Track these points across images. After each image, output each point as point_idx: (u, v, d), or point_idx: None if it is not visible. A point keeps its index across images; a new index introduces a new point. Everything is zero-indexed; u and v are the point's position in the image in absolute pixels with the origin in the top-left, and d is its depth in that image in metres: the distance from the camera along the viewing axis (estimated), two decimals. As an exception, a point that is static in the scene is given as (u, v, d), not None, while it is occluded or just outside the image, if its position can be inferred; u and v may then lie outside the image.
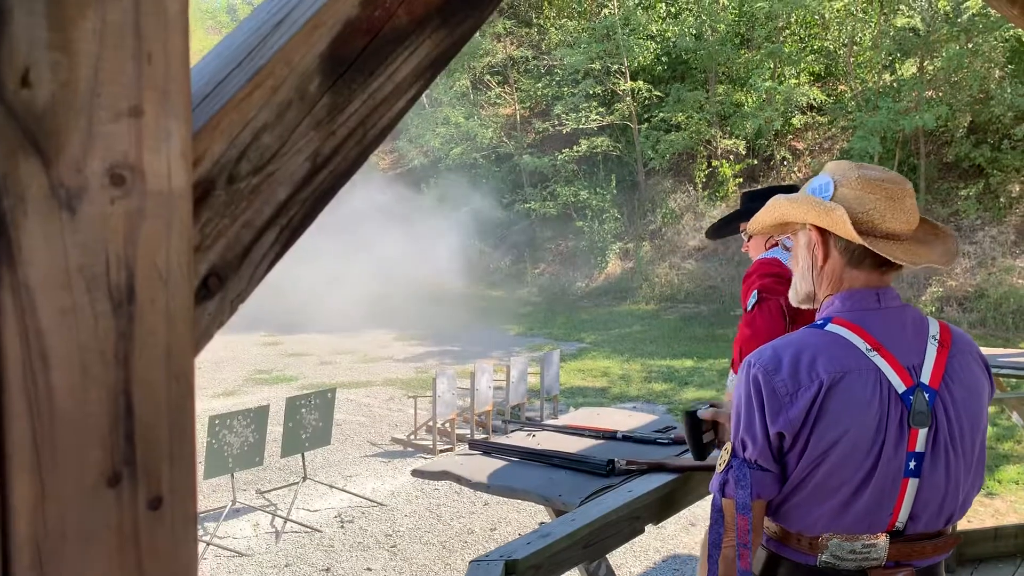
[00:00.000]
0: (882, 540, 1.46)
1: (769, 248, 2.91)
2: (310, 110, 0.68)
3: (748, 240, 2.99)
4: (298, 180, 0.69)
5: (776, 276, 2.79)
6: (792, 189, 2.91)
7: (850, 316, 1.49)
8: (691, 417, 1.85)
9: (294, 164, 0.68)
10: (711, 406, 1.87)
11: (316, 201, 0.70)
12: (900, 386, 1.44)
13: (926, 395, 1.45)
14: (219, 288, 0.64)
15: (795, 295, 1.63)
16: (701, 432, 1.85)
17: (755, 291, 2.87)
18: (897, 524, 1.47)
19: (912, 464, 1.44)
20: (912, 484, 1.45)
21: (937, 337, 1.52)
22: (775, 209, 1.60)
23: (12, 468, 0.51)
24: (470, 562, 2.46)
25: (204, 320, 0.63)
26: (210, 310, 0.64)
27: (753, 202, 2.95)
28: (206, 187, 0.63)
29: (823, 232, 1.52)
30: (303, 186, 0.69)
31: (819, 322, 1.52)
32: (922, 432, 1.44)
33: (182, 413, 0.57)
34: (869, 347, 1.45)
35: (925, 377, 1.46)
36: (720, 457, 1.53)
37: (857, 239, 1.44)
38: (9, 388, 0.50)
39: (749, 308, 2.88)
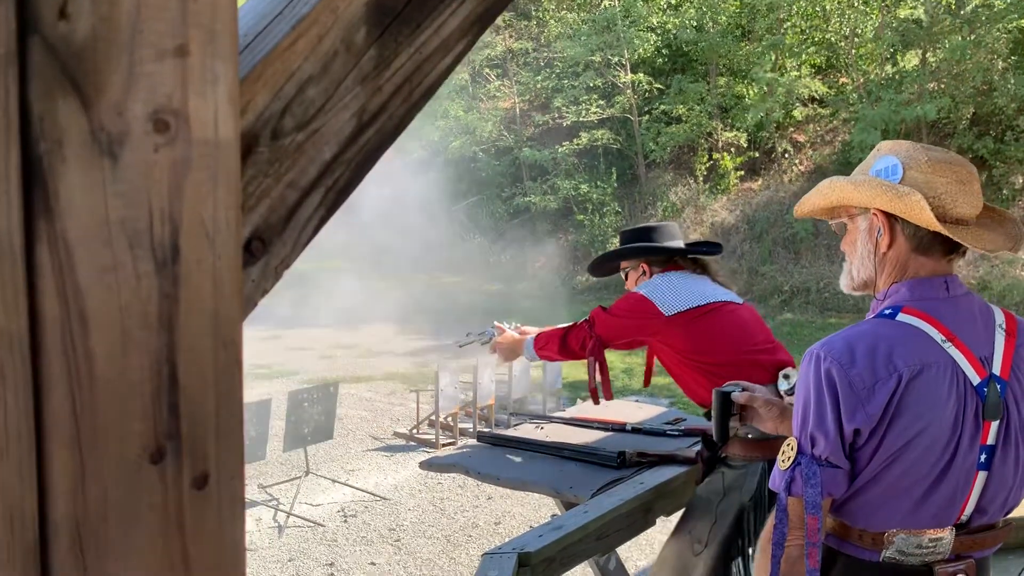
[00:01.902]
0: (948, 534, 1.42)
1: (639, 283, 2.86)
2: (356, 62, 0.64)
3: (626, 278, 2.97)
4: (344, 138, 0.64)
5: (639, 318, 2.71)
6: (644, 233, 2.89)
7: (920, 305, 1.43)
8: (723, 397, 1.79)
9: (340, 121, 0.63)
10: (743, 389, 1.81)
11: (362, 162, 0.65)
12: (975, 378, 1.39)
13: (998, 386, 1.40)
14: (263, 253, 0.60)
15: (850, 282, 1.56)
16: (730, 414, 1.80)
17: (592, 320, 2.80)
18: (963, 517, 1.43)
19: (983, 457, 1.40)
20: (981, 477, 1.41)
21: (1004, 326, 1.47)
22: (833, 191, 1.51)
23: (51, 442, 0.46)
24: (483, 555, 2.42)
25: (248, 287, 0.59)
26: (253, 276, 0.59)
27: (632, 240, 2.93)
28: (249, 142, 0.58)
29: (890, 217, 1.45)
30: (349, 145, 0.64)
31: (887, 311, 1.45)
32: (994, 424, 1.40)
33: (230, 384, 0.52)
34: (944, 338, 1.39)
35: (996, 368, 1.41)
36: (782, 454, 1.45)
37: (936, 226, 1.37)
38: (47, 352, 0.46)
39: (589, 320, 2.82)
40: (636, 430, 3.47)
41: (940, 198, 1.41)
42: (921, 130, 16.62)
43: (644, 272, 2.88)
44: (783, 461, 1.44)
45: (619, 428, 3.50)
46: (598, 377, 2.96)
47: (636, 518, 2.85)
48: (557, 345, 2.96)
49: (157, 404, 0.50)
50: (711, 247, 2.95)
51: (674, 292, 2.72)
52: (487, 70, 23.63)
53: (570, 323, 3.04)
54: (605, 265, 3.12)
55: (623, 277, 3.01)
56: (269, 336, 15.62)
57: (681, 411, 4.20)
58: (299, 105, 0.61)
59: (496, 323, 3.32)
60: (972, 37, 16.05)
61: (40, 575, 0.47)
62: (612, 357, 12.80)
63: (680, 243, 2.92)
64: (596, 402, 3.06)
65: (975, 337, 1.43)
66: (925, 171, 1.42)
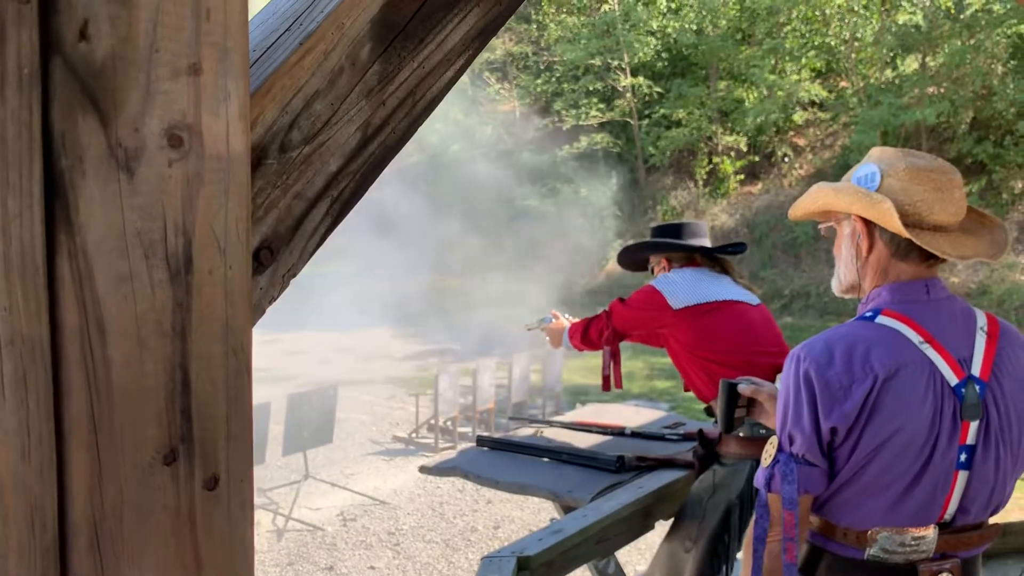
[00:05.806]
0: (931, 532, 1.45)
1: (658, 274, 2.97)
2: (361, 77, 0.66)
3: (652, 272, 3.08)
4: (349, 151, 0.66)
5: (649, 310, 2.83)
6: (671, 229, 3.00)
7: (900, 308, 1.47)
8: (730, 388, 1.82)
9: (345, 134, 0.66)
10: (751, 382, 1.84)
11: (367, 173, 0.67)
12: (952, 379, 1.43)
13: (977, 387, 1.44)
14: (271, 261, 0.62)
15: (838, 285, 1.61)
16: (735, 405, 1.82)
17: (610, 312, 2.95)
18: (946, 516, 1.46)
19: (963, 457, 1.43)
20: (962, 476, 1.44)
21: (985, 328, 1.50)
22: (818, 197, 1.57)
23: (70, 445, 0.48)
24: (482, 558, 2.43)
25: (256, 295, 0.61)
26: (262, 284, 0.61)
27: (658, 236, 3.03)
28: (258, 155, 0.60)
29: (868, 223, 1.50)
30: (354, 157, 0.66)
31: (868, 314, 1.49)
32: (973, 425, 1.43)
33: (240, 390, 0.54)
34: (921, 340, 1.43)
35: (975, 369, 1.45)
36: (765, 451, 1.50)
37: (904, 233, 1.41)
38: (67, 359, 0.48)
39: (607, 311, 2.97)
40: (635, 434, 3.48)
41: (916, 205, 1.45)
42: (921, 134, 16.66)
43: (665, 268, 2.99)
44: (765, 459, 1.49)
45: (618, 432, 3.51)
46: (612, 367, 3.08)
47: (635, 522, 2.86)
48: (580, 335, 3.09)
49: (170, 409, 0.52)
50: (734, 247, 3.05)
51: (685, 287, 2.81)
52: (487, 74, 23.68)
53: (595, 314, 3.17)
54: (633, 258, 3.23)
55: (650, 271, 3.11)
56: (267, 340, 15.62)
57: (680, 415, 4.21)
58: (306, 119, 0.63)
59: (553, 312, 3.44)
60: (971, 42, 16.10)
61: (59, 572, 0.49)
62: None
63: (705, 242, 3.02)
64: (606, 388, 3.17)
65: (954, 339, 1.46)
66: (902, 179, 1.47)
